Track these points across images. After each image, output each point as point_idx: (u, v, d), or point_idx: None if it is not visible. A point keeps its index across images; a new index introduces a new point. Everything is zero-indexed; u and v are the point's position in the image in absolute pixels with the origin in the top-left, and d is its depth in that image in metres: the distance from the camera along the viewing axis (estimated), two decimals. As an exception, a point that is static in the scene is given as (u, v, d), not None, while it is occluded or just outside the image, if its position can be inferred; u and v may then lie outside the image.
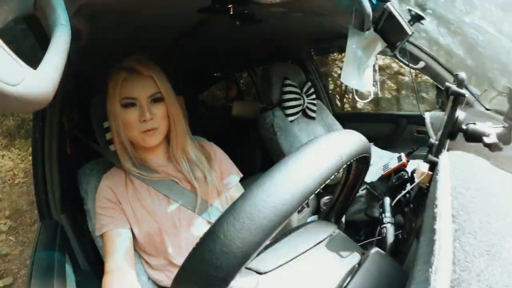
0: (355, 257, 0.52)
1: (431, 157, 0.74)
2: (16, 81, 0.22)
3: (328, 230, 0.59)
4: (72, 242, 1.02)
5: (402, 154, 0.91)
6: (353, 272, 0.46)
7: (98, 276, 0.99)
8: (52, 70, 0.28)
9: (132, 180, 0.89)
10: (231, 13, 0.92)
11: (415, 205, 0.73)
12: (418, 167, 0.74)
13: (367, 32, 0.94)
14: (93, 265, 1.02)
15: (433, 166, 0.72)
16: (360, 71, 0.97)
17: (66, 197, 1.07)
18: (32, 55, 0.29)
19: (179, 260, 0.88)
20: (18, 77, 0.22)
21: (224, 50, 1.80)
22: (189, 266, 0.35)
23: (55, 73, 0.28)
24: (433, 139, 0.77)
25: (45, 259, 0.79)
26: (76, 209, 1.06)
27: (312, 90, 1.83)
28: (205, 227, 0.91)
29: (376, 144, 1.74)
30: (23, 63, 0.23)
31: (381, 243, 0.68)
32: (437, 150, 0.74)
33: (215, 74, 3.14)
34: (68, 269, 0.89)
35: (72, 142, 1.42)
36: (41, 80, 0.26)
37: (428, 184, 0.71)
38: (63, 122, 1.14)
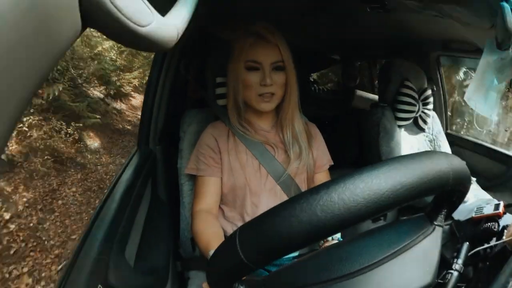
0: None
1: None
2: (145, 23, 0.25)
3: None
4: (158, 171, 1.16)
5: (501, 203, 0.78)
6: None
7: (170, 205, 1.11)
8: (178, 20, 0.31)
9: (233, 135, 0.97)
10: None
11: (492, 264, 0.64)
12: (511, 225, 0.65)
13: (505, 52, 0.79)
14: (168, 195, 1.15)
15: (528, 230, 0.61)
16: (488, 94, 0.83)
17: (165, 132, 1.21)
18: (162, 4, 0.32)
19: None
20: (147, 20, 0.25)
21: (347, 34, 1.72)
22: (255, 225, 0.38)
23: (181, 23, 0.31)
24: None
25: (130, 180, 0.90)
26: (170, 145, 1.19)
27: (430, 99, 1.62)
28: (283, 199, 0.95)
29: (478, 181, 1.49)
30: (153, 9, 0.25)
31: (440, 287, 0.61)
32: (539, 214, 0.61)
33: (333, 57, 3.04)
34: (147, 192, 1.02)
35: (195, 88, 1.57)
36: (167, 26, 0.28)
37: (514, 248, 0.61)
38: (179, 68, 1.26)
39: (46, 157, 2.34)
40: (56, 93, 2.56)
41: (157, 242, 0.92)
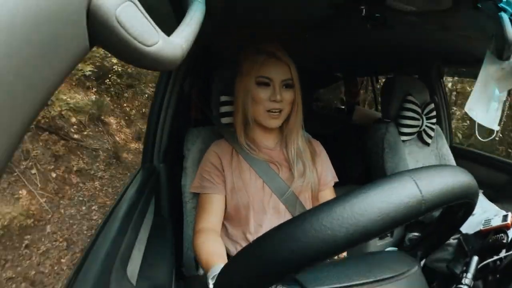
0: None
1: None
2: (150, 43, 0.25)
3: (408, 265, 0.52)
4: (162, 189, 1.15)
5: (509, 214, 0.77)
6: None
7: (173, 223, 1.10)
8: (183, 40, 0.31)
9: (237, 153, 0.97)
10: (363, 14, 0.88)
11: (502, 276, 0.62)
12: None
13: (506, 62, 0.80)
14: (171, 213, 1.14)
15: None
16: (489, 104, 0.83)
17: (169, 150, 1.21)
18: (167, 23, 0.33)
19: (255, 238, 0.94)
20: (153, 40, 0.25)
21: (349, 52, 1.74)
22: (256, 247, 0.36)
23: (186, 43, 0.31)
24: None
25: (133, 198, 0.89)
26: (174, 163, 1.19)
27: (433, 113, 1.62)
28: (287, 218, 0.94)
29: (484, 193, 1.46)
30: (159, 29, 0.26)
31: None
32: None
33: (336, 74, 3.07)
34: (150, 211, 1.01)
35: (197, 107, 1.59)
36: (172, 46, 0.28)
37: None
38: (183, 86, 1.28)
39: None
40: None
41: (159, 261, 0.90)
